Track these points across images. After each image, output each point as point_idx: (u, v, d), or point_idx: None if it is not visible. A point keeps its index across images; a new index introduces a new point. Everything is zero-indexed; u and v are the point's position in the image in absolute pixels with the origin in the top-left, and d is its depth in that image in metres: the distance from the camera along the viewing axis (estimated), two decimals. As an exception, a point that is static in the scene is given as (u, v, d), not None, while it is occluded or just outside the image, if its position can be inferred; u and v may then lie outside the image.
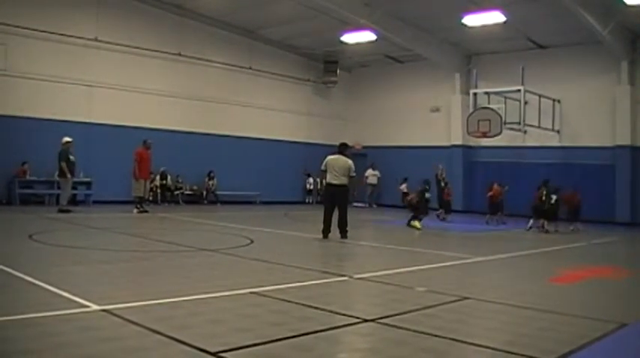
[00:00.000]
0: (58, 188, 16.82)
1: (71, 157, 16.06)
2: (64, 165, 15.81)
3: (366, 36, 22.12)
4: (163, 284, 6.34)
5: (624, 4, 17.02)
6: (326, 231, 11.63)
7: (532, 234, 15.28)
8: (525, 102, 19.40)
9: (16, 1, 17.81)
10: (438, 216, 18.74)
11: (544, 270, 8.77)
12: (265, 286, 6.25)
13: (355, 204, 23.52)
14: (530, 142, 22.04)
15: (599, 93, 21.02)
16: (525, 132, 20.63)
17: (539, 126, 20.78)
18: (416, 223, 15.08)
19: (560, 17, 18.61)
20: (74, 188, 17.92)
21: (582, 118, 21.40)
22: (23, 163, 17.80)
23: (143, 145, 16.90)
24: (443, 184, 19.15)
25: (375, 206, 25.52)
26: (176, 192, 21.85)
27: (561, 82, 21.41)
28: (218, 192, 22.81)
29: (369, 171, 25.76)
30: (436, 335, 4.54)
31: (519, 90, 19.18)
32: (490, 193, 18.24)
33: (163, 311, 5.02)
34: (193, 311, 5.05)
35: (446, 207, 19.14)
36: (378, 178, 26.01)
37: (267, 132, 24.76)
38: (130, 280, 6.62)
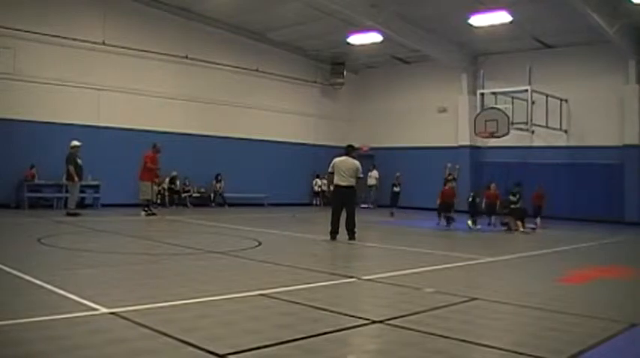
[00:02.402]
0: (67, 191, 16.91)
1: (79, 161, 16.14)
2: (71, 168, 15.91)
3: (373, 37, 22.10)
4: (171, 286, 6.35)
5: (632, 2, 16.92)
6: (334, 233, 11.63)
7: (539, 235, 15.22)
8: (532, 102, 19.33)
9: (23, 5, 17.91)
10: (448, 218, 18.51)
11: (552, 271, 8.72)
12: (273, 288, 6.25)
13: (362, 205, 23.47)
14: (538, 142, 21.95)
15: (606, 92, 20.91)
16: (533, 132, 20.55)
17: (546, 126, 20.71)
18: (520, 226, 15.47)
19: (567, 16, 18.54)
20: (82, 191, 18.01)
21: (590, 118, 21.30)
22: (31, 167, 17.87)
23: (152, 149, 16.96)
24: (455, 185, 19.00)
25: (376, 207, 25.26)
26: (184, 195, 21.89)
27: (569, 81, 21.33)
28: (226, 195, 22.84)
29: (368, 173, 25.36)
30: (445, 336, 4.53)
31: (526, 90, 19.14)
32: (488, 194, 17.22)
33: (172, 314, 5.03)
34: (201, 314, 5.06)
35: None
36: (377, 179, 25.86)
37: (275, 134, 24.78)
38: (138, 283, 6.63)
